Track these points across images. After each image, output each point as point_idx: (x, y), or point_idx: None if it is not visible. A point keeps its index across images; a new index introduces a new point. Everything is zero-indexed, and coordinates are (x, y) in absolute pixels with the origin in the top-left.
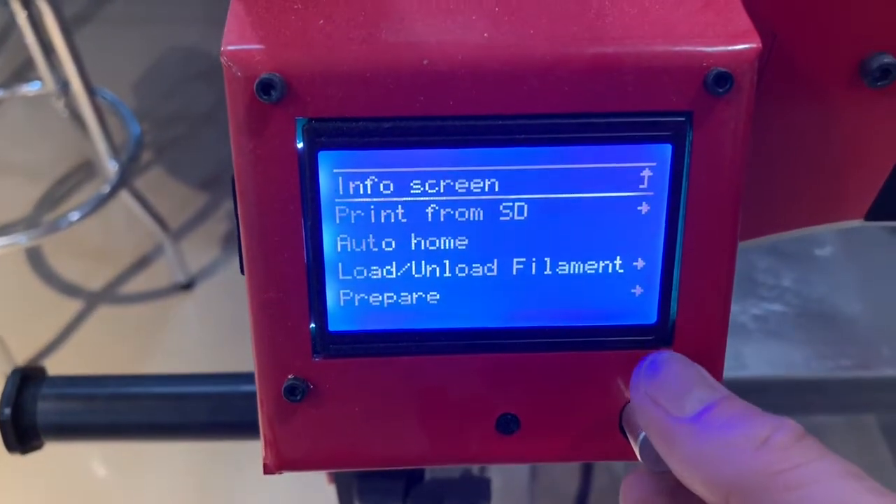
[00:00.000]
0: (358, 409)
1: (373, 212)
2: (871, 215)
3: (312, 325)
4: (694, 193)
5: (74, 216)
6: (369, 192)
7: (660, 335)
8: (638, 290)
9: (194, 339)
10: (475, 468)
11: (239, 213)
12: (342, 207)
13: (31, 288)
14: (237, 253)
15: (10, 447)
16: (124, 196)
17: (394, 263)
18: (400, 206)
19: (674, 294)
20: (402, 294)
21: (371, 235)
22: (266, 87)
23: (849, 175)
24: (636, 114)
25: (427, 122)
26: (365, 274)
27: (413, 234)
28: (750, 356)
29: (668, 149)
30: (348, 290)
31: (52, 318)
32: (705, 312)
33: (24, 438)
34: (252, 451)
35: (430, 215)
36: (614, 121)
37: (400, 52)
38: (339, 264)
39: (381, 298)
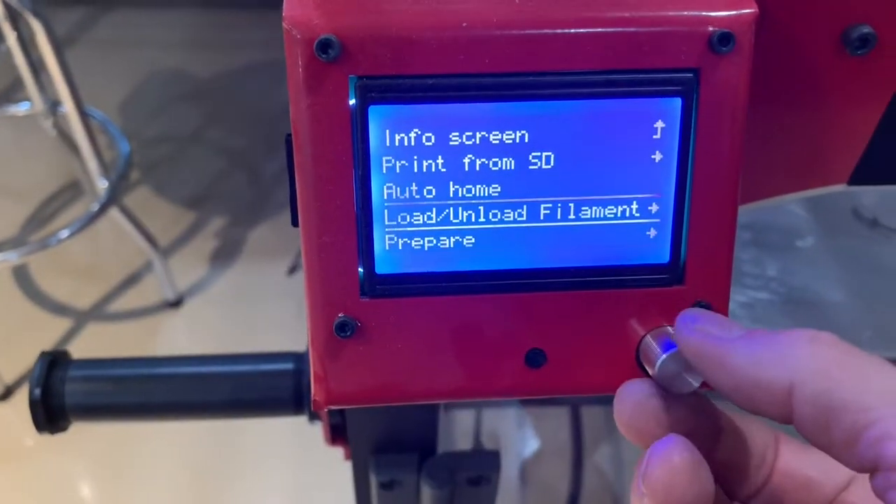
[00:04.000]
0: (400, 345)
1: (416, 162)
2: (854, 180)
3: (361, 269)
4: (701, 143)
5: (64, 234)
6: (413, 143)
7: (672, 274)
8: (652, 233)
9: None
10: (486, 441)
11: (295, 165)
12: (388, 158)
13: (19, 306)
14: (225, 270)
15: (40, 427)
16: (113, 214)
17: (434, 210)
18: (440, 157)
19: (684, 235)
20: (441, 238)
21: (414, 184)
22: (324, 46)
23: (832, 141)
24: (650, 71)
25: (465, 79)
26: (408, 220)
27: (451, 183)
28: None
29: (678, 102)
30: (393, 235)
31: (41, 336)
32: (712, 254)
33: (53, 418)
34: (246, 463)
35: (466, 165)
36: (631, 77)
37: (442, 16)
38: (385, 211)
39: (422, 242)
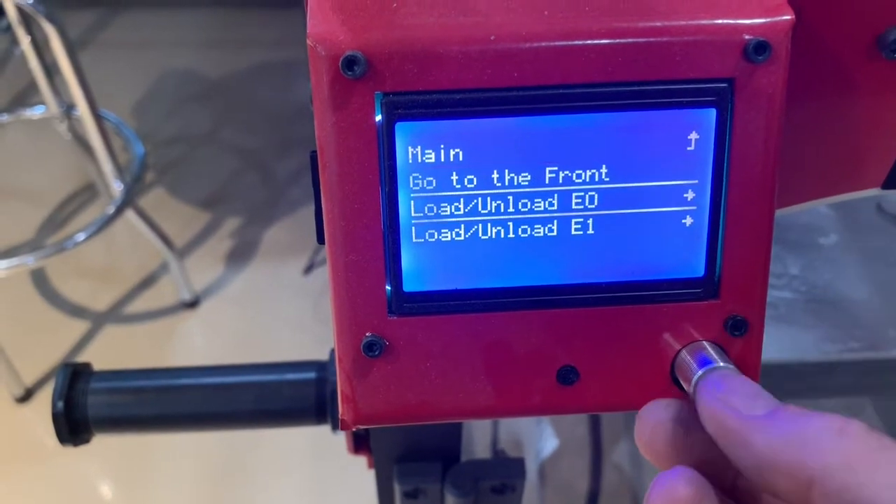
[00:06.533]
0: (429, 364)
1: (443, 178)
2: (888, 184)
3: (388, 287)
4: (737, 155)
5: (80, 237)
6: (440, 159)
7: (707, 288)
8: (686, 246)
9: (200, 357)
10: (507, 448)
11: (321, 182)
12: (415, 174)
13: (37, 309)
14: (241, 269)
15: (63, 439)
16: (129, 216)
17: (462, 226)
18: (467, 172)
19: (719, 249)
20: (469, 255)
21: (442, 200)
22: (350, 63)
23: (867, 145)
24: (683, 81)
25: (492, 94)
26: (436, 237)
27: (479, 199)
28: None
29: (712, 112)
30: (421, 253)
31: (58, 339)
32: (747, 267)
33: (76, 431)
34: (263, 467)
35: (494, 180)
36: (663, 88)
37: (469, 30)
38: (413, 228)
39: (450, 259)
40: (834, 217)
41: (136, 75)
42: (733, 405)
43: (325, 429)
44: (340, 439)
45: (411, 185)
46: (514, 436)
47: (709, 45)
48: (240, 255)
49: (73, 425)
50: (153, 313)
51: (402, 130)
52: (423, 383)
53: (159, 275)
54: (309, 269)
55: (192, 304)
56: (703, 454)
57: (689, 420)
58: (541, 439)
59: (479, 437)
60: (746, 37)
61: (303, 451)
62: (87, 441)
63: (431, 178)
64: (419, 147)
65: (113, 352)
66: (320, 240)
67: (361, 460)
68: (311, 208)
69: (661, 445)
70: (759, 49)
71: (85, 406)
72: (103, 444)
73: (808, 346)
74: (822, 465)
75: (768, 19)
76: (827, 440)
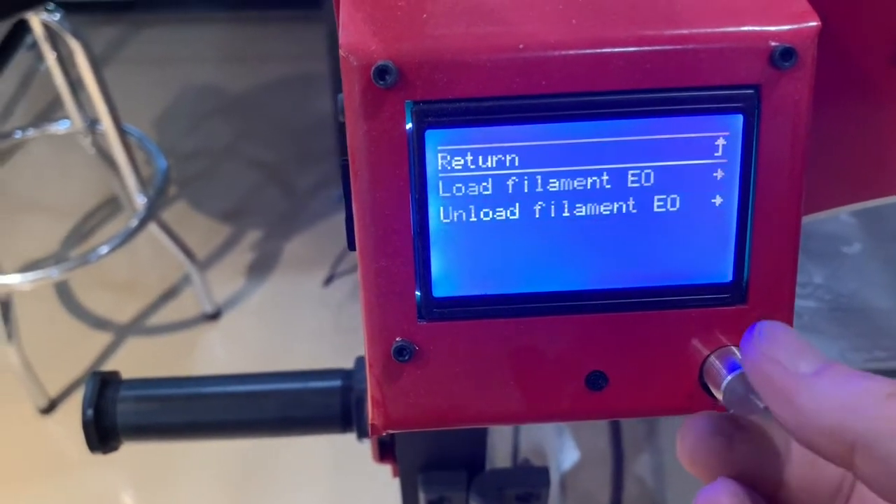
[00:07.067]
0: (459, 369)
1: (472, 185)
2: None
3: (418, 292)
4: (763, 160)
5: (104, 249)
6: (470, 166)
7: (735, 293)
8: (714, 250)
9: (221, 368)
10: (532, 457)
11: (353, 190)
12: (445, 182)
13: (62, 321)
14: (262, 282)
15: (93, 447)
16: (152, 229)
17: (490, 232)
18: (496, 179)
19: (747, 254)
20: (499, 260)
21: (471, 207)
22: (381, 73)
23: (891, 151)
24: (710, 88)
25: (521, 101)
26: (465, 243)
27: (507, 205)
28: None
29: (739, 119)
30: (450, 258)
31: (82, 351)
32: (775, 272)
33: (105, 438)
34: (285, 475)
35: (524, 186)
36: (691, 94)
37: (498, 39)
38: (442, 234)
39: (479, 265)
40: (857, 225)
41: (158, 90)
42: (779, 361)
43: (346, 438)
44: (362, 448)
45: (441, 192)
46: (534, 445)
47: (735, 51)
48: (260, 267)
49: (102, 433)
50: (175, 325)
51: (431, 138)
52: (452, 388)
53: (181, 287)
54: (329, 280)
55: (214, 315)
56: (745, 466)
57: (732, 432)
58: (562, 450)
59: (499, 447)
60: (773, 43)
61: (325, 461)
62: (115, 449)
63: (460, 185)
64: (448, 154)
65: (136, 363)
66: (351, 246)
67: (384, 469)
68: (331, 221)
69: (703, 459)
70: (785, 55)
71: (114, 414)
72: (125, 455)
73: (832, 355)
74: (868, 430)
75: (794, 26)
76: (874, 405)
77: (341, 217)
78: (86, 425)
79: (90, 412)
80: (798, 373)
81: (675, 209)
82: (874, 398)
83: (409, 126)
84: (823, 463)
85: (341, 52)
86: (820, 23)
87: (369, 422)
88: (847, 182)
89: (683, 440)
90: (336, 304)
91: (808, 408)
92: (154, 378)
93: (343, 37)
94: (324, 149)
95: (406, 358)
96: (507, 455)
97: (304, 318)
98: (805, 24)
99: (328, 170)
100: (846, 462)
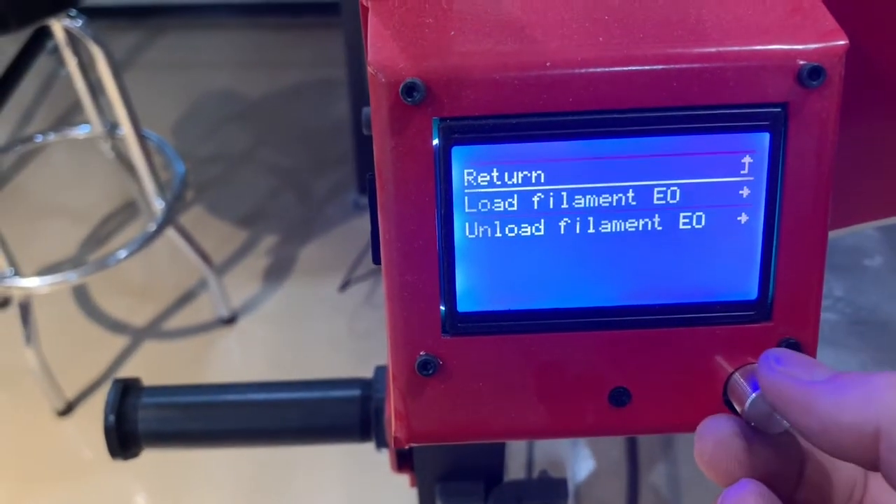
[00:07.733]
0: (482, 384)
1: (498, 201)
2: None
3: (442, 307)
4: (790, 178)
5: (122, 254)
6: (496, 182)
7: (760, 311)
8: (739, 268)
9: (237, 373)
10: (550, 469)
11: (379, 205)
12: (471, 197)
13: (79, 325)
14: (278, 287)
15: (114, 453)
16: (169, 233)
17: (515, 248)
18: (521, 196)
19: (772, 272)
20: (523, 276)
21: (496, 222)
22: (409, 90)
23: None
24: (737, 106)
25: (548, 118)
26: (489, 258)
27: (532, 221)
28: None
29: (766, 137)
30: (474, 273)
31: (99, 354)
32: (800, 290)
33: (126, 445)
34: (300, 481)
35: (549, 203)
36: (718, 112)
37: (526, 57)
38: (467, 249)
39: (503, 280)
40: (879, 239)
41: (176, 95)
42: (794, 374)
43: (363, 447)
44: (379, 457)
45: (466, 208)
46: (550, 456)
47: (763, 70)
48: (276, 272)
49: (123, 439)
50: (191, 329)
51: (458, 154)
52: (475, 402)
53: (197, 292)
54: (344, 286)
55: (230, 320)
56: (764, 468)
57: (750, 434)
58: (577, 461)
59: (514, 457)
60: (801, 62)
61: (341, 469)
62: (136, 455)
63: (486, 201)
64: (474, 171)
65: (152, 367)
66: (376, 261)
67: (401, 479)
68: (347, 226)
69: (724, 462)
70: (813, 74)
71: (136, 420)
72: (141, 459)
73: (853, 369)
74: (889, 418)
75: (822, 44)
76: (891, 395)
77: (357, 223)
78: (107, 431)
79: (112, 418)
80: (814, 381)
81: (700, 226)
82: (892, 388)
83: (435, 142)
84: (839, 464)
85: (369, 69)
86: (848, 41)
87: (392, 434)
88: (875, 199)
89: (702, 442)
90: (351, 310)
91: (828, 409)
92: (175, 385)
93: (371, 53)
94: (340, 155)
95: (430, 372)
96: (522, 465)
97: (319, 324)
98: (833, 43)
99: (344, 176)
100: (871, 457)
